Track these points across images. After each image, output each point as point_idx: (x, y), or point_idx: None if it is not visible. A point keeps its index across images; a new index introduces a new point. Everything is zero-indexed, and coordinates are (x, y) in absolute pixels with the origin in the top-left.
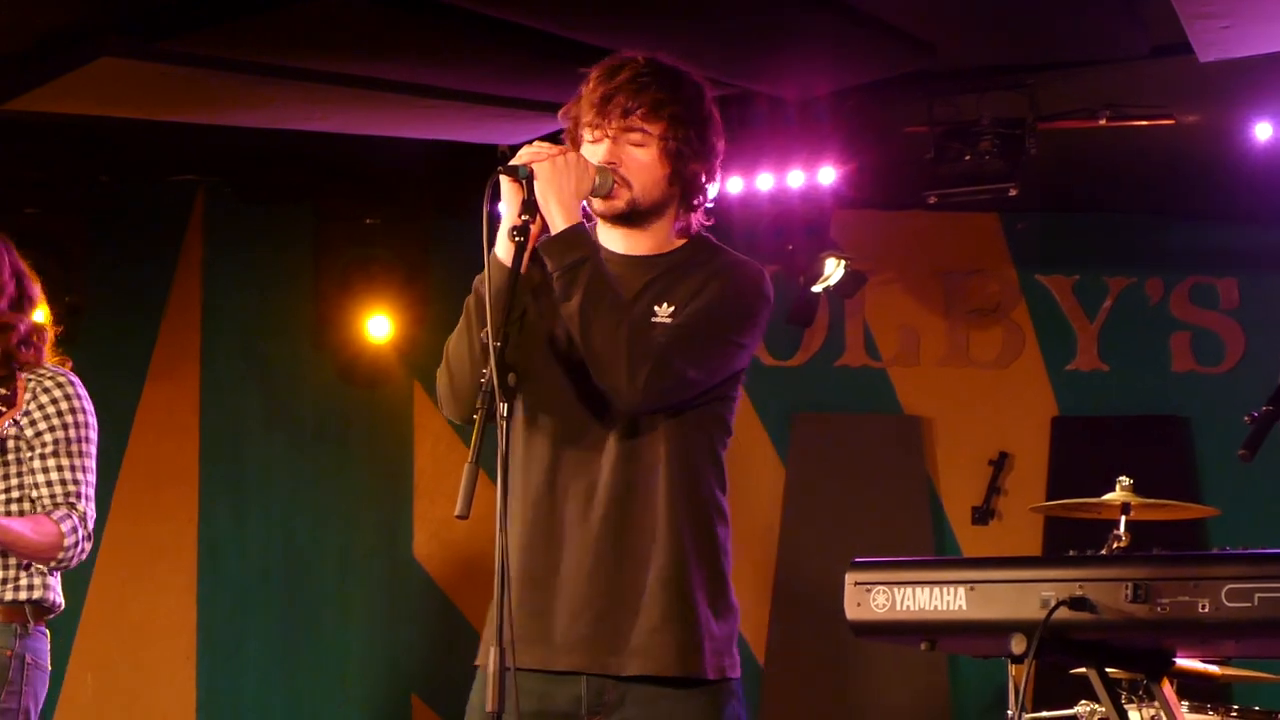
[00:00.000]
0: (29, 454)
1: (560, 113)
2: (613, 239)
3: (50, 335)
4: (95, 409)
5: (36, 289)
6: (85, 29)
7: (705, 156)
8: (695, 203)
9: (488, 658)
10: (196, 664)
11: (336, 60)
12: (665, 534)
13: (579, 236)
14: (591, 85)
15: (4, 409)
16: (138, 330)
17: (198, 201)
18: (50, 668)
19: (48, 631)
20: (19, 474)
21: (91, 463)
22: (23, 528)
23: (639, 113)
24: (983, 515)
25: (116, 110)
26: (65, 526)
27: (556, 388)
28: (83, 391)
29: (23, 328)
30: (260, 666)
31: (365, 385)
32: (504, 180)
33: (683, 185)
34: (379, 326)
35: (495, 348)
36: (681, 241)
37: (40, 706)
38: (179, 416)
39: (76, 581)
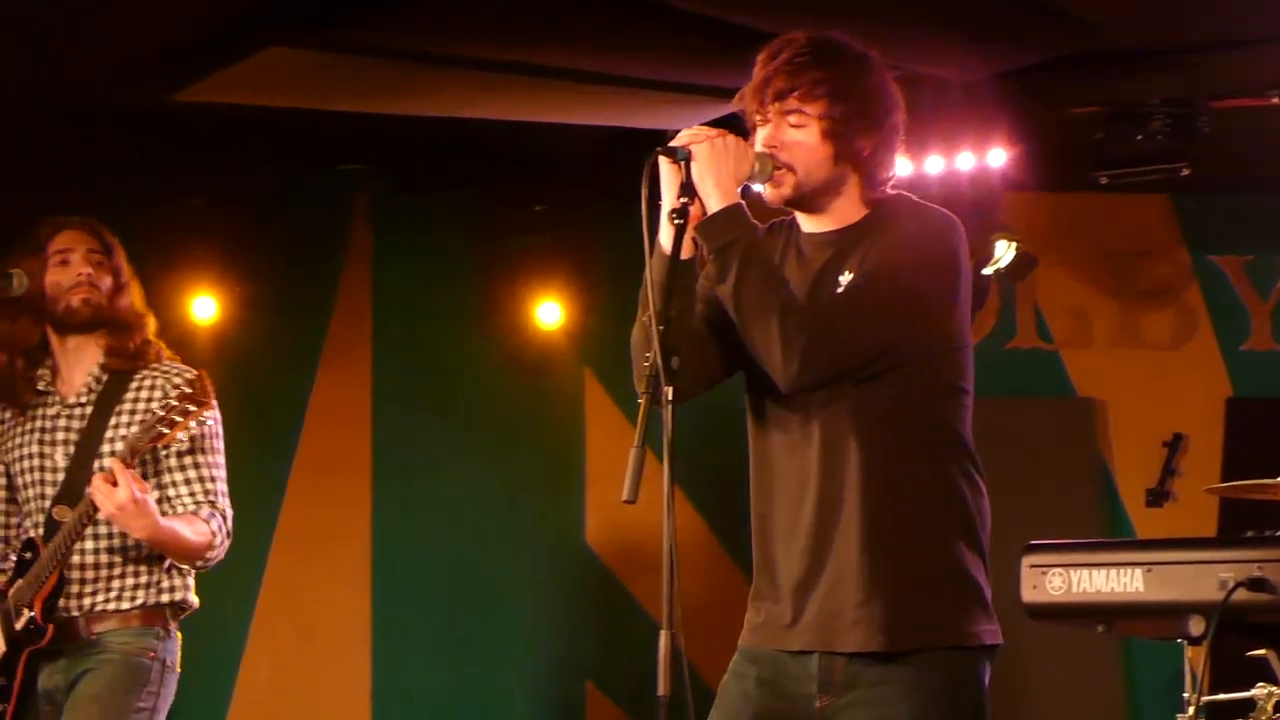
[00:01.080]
0: (163, 452)
1: (734, 100)
2: (804, 221)
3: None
4: (270, 397)
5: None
6: (252, 19)
7: (873, 130)
8: (876, 177)
9: (747, 639)
10: (371, 650)
11: (502, 47)
12: (867, 506)
13: (734, 217)
14: (755, 70)
15: (192, 407)
16: (309, 319)
17: (365, 190)
18: (179, 670)
19: (180, 634)
20: (156, 473)
21: (223, 459)
22: (183, 529)
23: (795, 94)
24: (1157, 497)
25: (283, 100)
26: (214, 525)
27: (765, 373)
28: (209, 387)
29: (152, 323)
30: (434, 652)
31: (535, 372)
32: (663, 163)
33: (853, 162)
34: (549, 313)
35: (658, 331)
36: (871, 209)
37: (168, 707)
38: (351, 404)
39: (252, 568)
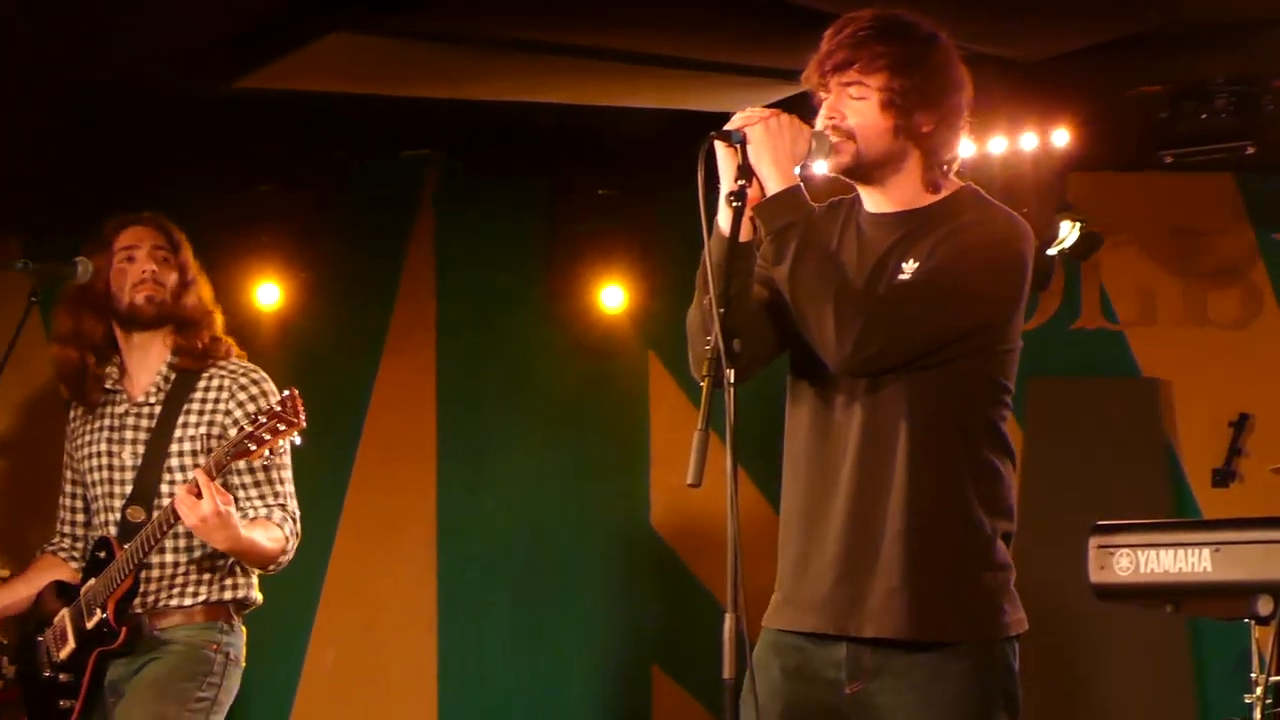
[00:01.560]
0: None
1: (802, 78)
2: (867, 199)
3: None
4: (334, 383)
5: None
6: (316, 5)
7: (933, 107)
8: (938, 157)
9: (771, 619)
10: (437, 634)
11: (567, 30)
12: (904, 494)
13: (791, 199)
14: (820, 46)
15: (282, 426)
16: (374, 304)
17: (430, 176)
18: (244, 664)
19: (244, 629)
20: (223, 473)
21: (289, 459)
22: (260, 537)
23: (856, 66)
24: (1223, 477)
25: (348, 86)
26: (286, 530)
27: (812, 355)
28: (300, 407)
29: (219, 320)
30: (500, 637)
31: (599, 356)
32: (719, 146)
33: (913, 138)
34: (613, 296)
35: (719, 314)
36: (937, 196)
37: (232, 700)
38: (416, 389)
39: (317, 555)
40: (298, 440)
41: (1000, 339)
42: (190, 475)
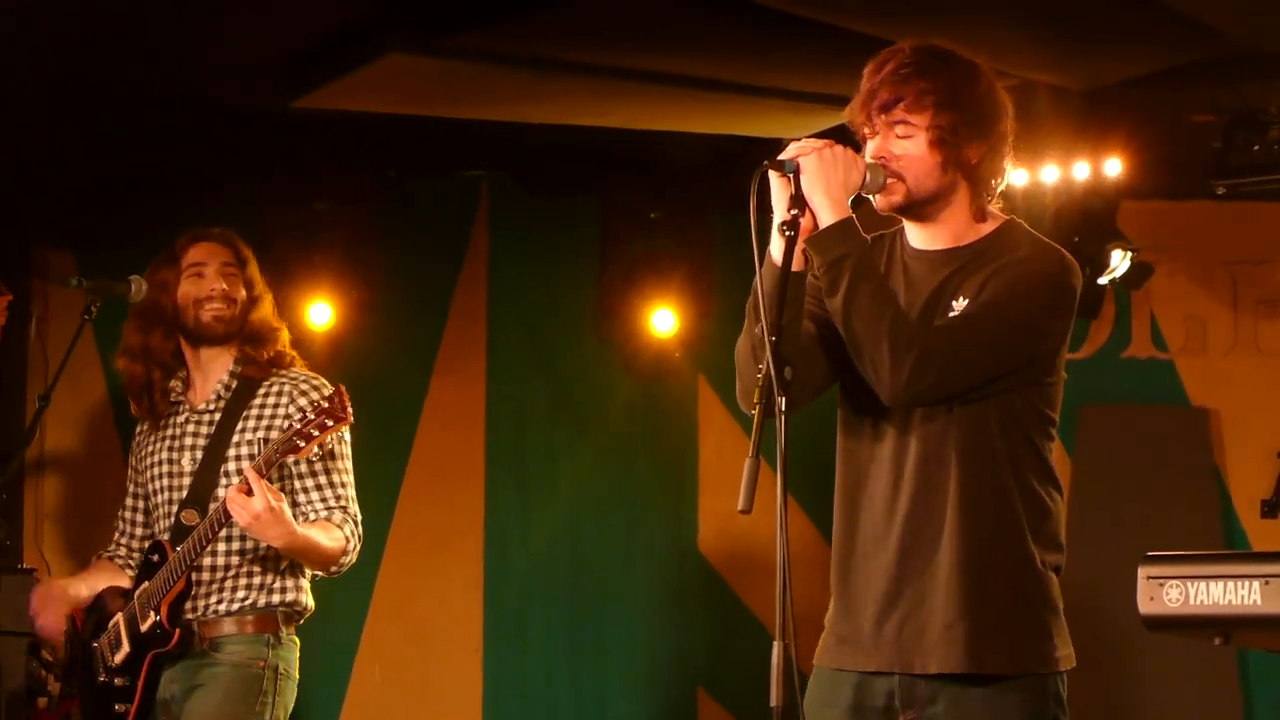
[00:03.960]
0: (292, 458)
1: (844, 114)
2: (913, 234)
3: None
4: (384, 401)
5: None
6: (373, 26)
7: (981, 138)
8: (986, 185)
9: (824, 658)
10: (483, 655)
11: (621, 54)
12: (957, 528)
13: (845, 231)
14: (862, 82)
15: (330, 422)
16: (425, 322)
17: (483, 196)
18: (298, 676)
19: (297, 640)
20: (281, 478)
21: (350, 464)
22: (319, 536)
23: (902, 105)
24: (1272, 508)
25: (403, 107)
26: (346, 530)
27: (863, 386)
28: (347, 402)
29: (285, 335)
30: (546, 658)
31: (649, 378)
32: (773, 175)
33: (963, 170)
34: (663, 320)
35: (771, 343)
36: (985, 229)
37: (289, 713)
38: (466, 408)
39: (364, 573)
40: (346, 436)
41: (1048, 371)
42: None
